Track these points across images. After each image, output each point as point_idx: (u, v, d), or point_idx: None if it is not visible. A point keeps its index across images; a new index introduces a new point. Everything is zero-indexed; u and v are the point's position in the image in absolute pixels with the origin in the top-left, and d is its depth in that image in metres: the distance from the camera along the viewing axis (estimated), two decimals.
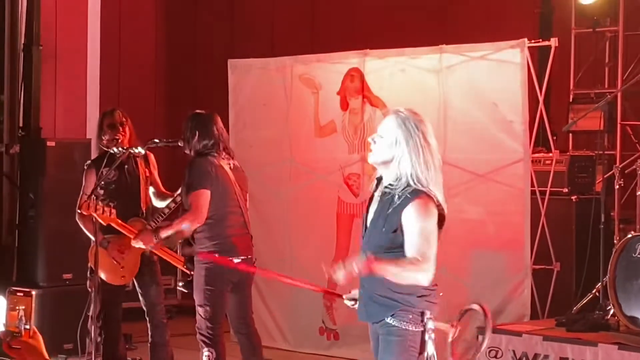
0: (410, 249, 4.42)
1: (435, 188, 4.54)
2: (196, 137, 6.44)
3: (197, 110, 6.65)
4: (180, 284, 6.62)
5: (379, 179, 4.55)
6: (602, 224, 7.78)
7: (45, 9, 9.18)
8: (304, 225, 8.81)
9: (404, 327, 4.43)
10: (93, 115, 9.66)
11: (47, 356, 2.84)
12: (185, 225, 6.32)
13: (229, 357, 6.56)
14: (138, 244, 6.47)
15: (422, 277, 4.52)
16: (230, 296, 6.49)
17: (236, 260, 6.37)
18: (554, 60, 7.80)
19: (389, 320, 4.46)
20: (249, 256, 6.55)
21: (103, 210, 6.45)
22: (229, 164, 6.52)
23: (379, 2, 11.10)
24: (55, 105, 9.49)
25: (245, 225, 6.60)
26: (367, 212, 4.58)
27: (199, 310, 6.39)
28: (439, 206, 4.56)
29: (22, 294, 2.79)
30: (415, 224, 4.43)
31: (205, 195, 6.29)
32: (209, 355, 6.34)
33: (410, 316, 4.45)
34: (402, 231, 4.41)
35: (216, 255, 6.33)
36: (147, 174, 6.99)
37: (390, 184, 4.46)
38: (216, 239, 6.38)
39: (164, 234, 6.46)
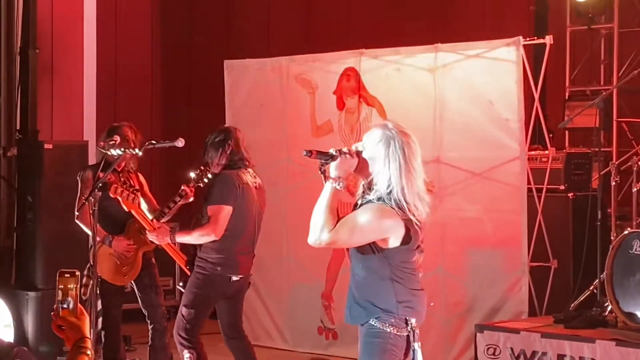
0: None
1: (414, 210, 4.32)
2: (223, 152, 6.43)
3: (225, 126, 6.67)
4: (180, 283, 6.61)
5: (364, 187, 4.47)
6: (598, 220, 7.80)
7: (41, 13, 9.20)
8: (301, 225, 8.74)
9: (386, 330, 4.35)
10: (90, 117, 9.68)
11: (87, 335, 2.92)
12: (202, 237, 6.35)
13: (224, 357, 6.57)
14: (152, 238, 6.51)
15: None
16: (222, 304, 6.53)
17: (234, 278, 6.41)
18: (549, 58, 7.81)
19: (372, 322, 4.39)
20: (247, 275, 6.59)
21: (128, 196, 6.48)
22: (255, 183, 6.53)
23: (374, 1, 11.11)
24: (52, 108, 9.50)
25: (253, 244, 6.63)
26: None
27: (183, 310, 6.40)
28: (411, 228, 4.33)
29: (68, 275, 2.89)
30: (357, 212, 4.42)
31: (227, 211, 6.32)
32: (190, 357, 6.35)
33: (393, 320, 4.35)
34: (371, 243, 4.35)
35: (218, 269, 6.36)
36: (141, 186, 7.01)
37: (367, 196, 4.41)
38: (223, 253, 6.38)
39: (180, 238, 6.49)
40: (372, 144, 4.41)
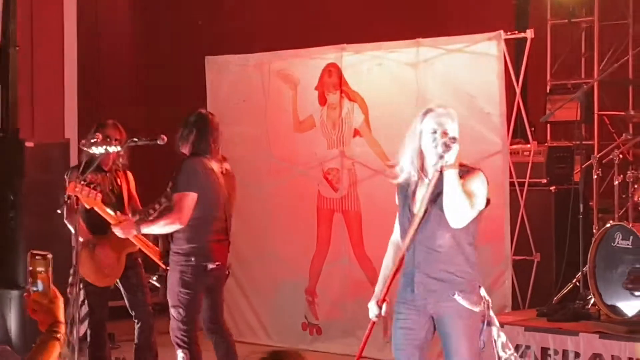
0: None
1: None
2: (192, 137, 6.41)
3: (201, 110, 6.63)
4: (154, 278, 6.58)
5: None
6: (581, 213, 7.83)
7: (21, 10, 9.13)
8: (284, 221, 8.82)
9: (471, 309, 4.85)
10: (71, 115, 9.64)
11: (61, 319, 2.91)
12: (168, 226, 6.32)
13: (204, 351, 6.56)
14: (117, 232, 6.46)
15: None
16: (203, 298, 6.50)
17: (210, 266, 6.38)
18: (530, 52, 7.83)
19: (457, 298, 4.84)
20: (223, 263, 6.54)
21: (89, 193, 6.43)
22: (221, 168, 6.50)
23: None
24: (33, 106, 9.45)
25: (227, 232, 6.58)
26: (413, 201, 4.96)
27: (172, 311, 6.37)
28: None
29: (39, 257, 2.88)
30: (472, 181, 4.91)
31: (191, 198, 6.27)
32: (184, 357, 6.34)
33: (474, 297, 4.87)
34: None
35: (192, 259, 6.33)
36: (127, 186, 6.98)
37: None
38: (195, 242, 6.34)
39: (145, 228, 6.45)
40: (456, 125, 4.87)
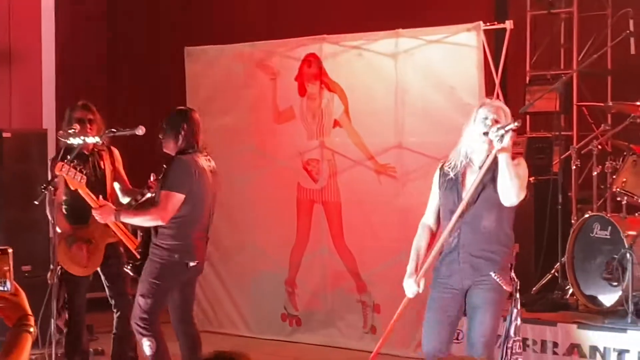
0: None
1: None
2: (180, 134, 6.36)
3: (179, 107, 6.61)
4: (129, 266, 6.54)
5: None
6: (559, 204, 7.86)
7: None
8: (263, 212, 8.80)
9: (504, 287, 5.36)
10: (49, 105, 9.58)
11: (29, 312, 2.87)
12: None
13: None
14: (97, 216, 6.44)
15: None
16: (175, 293, 6.48)
17: (191, 264, 6.37)
18: (509, 43, 7.83)
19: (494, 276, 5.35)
20: (202, 260, 6.55)
21: (75, 175, 6.41)
22: (210, 167, 6.49)
23: None
24: (11, 96, 9.39)
25: (208, 229, 6.59)
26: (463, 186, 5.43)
27: (140, 300, 6.34)
28: None
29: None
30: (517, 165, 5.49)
31: (178, 198, 6.25)
32: (150, 346, 6.32)
33: (508, 277, 5.40)
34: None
35: (175, 256, 6.32)
36: (112, 169, 6.95)
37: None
38: (179, 239, 6.33)
39: (124, 217, 6.44)
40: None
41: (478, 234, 5.39)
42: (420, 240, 5.64)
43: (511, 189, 5.28)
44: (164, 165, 6.35)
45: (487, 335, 5.38)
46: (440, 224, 5.61)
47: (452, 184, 5.48)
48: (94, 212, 6.46)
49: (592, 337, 6.88)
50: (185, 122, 6.39)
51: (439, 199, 5.60)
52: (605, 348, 6.80)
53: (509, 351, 5.47)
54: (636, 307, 6.90)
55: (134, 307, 6.40)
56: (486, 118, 5.40)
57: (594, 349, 6.85)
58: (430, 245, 5.60)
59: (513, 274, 5.46)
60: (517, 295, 5.50)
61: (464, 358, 1.57)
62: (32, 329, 2.86)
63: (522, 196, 5.35)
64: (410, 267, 5.59)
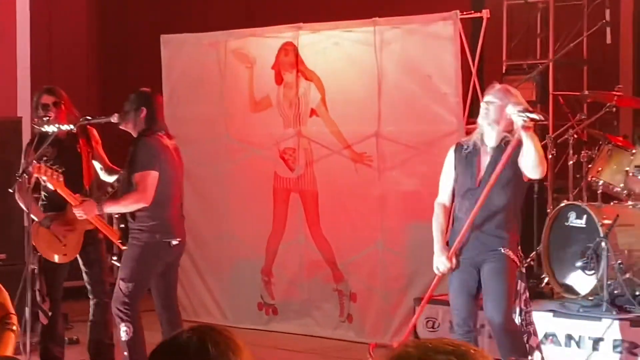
0: None
1: None
2: (142, 115, 6.36)
3: (142, 88, 6.57)
4: (114, 258, 6.54)
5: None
6: (535, 193, 7.88)
7: None
8: (240, 201, 8.79)
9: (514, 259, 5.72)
10: (24, 93, 9.51)
11: (12, 311, 2.85)
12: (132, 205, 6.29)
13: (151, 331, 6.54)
14: (79, 213, 6.41)
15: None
16: (158, 279, 6.47)
17: (174, 242, 6.36)
18: (486, 32, 7.84)
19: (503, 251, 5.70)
20: (184, 239, 6.56)
21: (52, 174, 6.38)
22: (172, 144, 6.49)
23: None
24: None
25: (182, 207, 6.60)
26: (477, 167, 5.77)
27: (121, 284, 6.34)
28: None
29: None
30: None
31: (154, 176, 6.25)
32: (126, 331, 6.31)
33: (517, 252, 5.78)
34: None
35: (157, 236, 6.30)
36: (89, 150, 6.90)
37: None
38: (157, 219, 6.33)
39: (108, 208, 6.42)
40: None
41: (489, 213, 5.71)
42: (440, 219, 5.93)
43: (539, 164, 5.63)
44: (130, 152, 6.33)
45: (502, 301, 5.68)
46: (454, 201, 5.96)
47: (468, 164, 5.83)
48: (75, 210, 6.43)
49: (568, 326, 6.91)
50: (146, 103, 6.38)
51: (454, 178, 5.91)
52: (580, 336, 6.83)
53: (523, 322, 5.84)
54: (611, 295, 6.94)
55: (114, 291, 6.38)
56: (486, 103, 5.80)
57: (569, 337, 6.88)
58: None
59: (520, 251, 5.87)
60: (523, 270, 5.94)
61: (442, 339, 1.56)
62: (14, 327, 2.84)
63: (545, 169, 5.78)
64: (438, 245, 5.88)
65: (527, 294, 5.96)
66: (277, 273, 8.62)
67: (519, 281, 5.87)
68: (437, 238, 5.89)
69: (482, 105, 5.85)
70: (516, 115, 5.58)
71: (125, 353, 6.36)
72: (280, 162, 8.55)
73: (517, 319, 5.84)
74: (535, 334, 6.00)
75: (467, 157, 5.84)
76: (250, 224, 8.72)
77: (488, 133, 5.82)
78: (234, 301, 8.85)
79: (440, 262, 5.82)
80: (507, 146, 5.68)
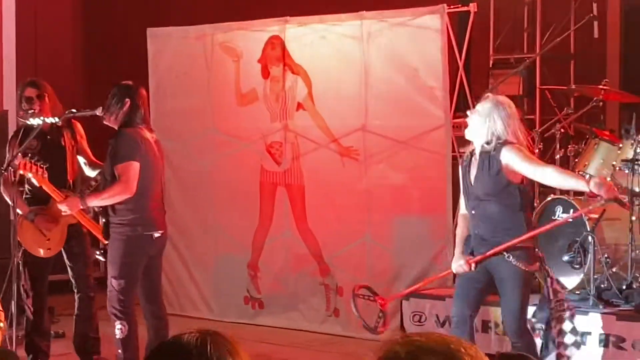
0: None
1: None
2: (125, 107, 6.34)
3: (125, 82, 6.55)
4: (98, 252, 6.52)
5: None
6: (523, 187, 7.86)
7: None
8: (227, 195, 8.77)
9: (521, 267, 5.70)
10: (9, 86, 9.47)
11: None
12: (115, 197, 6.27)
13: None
14: (64, 208, 6.39)
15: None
16: (142, 273, 6.44)
17: (156, 235, 6.35)
18: (473, 26, 7.83)
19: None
20: (165, 231, 6.54)
21: (37, 171, 6.36)
22: (153, 137, 6.48)
23: None
24: None
25: (163, 200, 6.59)
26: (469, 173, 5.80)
27: (113, 282, 6.31)
28: None
29: None
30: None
31: (135, 167, 6.24)
32: (121, 329, 6.29)
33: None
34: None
35: (138, 229, 6.28)
36: (73, 144, 6.87)
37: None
38: (138, 212, 6.31)
39: (91, 202, 6.39)
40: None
41: (485, 221, 5.76)
42: (459, 229, 5.99)
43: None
44: (110, 145, 6.31)
45: (509, 310, 5.76)
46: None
47: (464, 176, 5.91)
48: (59, 205, 6.40)
49: None
50: (129, 96, 6.36)
51: (463, 189, 5.99)
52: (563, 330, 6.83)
53: (552, 311, 5.86)
54: (597, 289, 6.94)
55: (108, 291, 6.35)
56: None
57: None
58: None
59: (538, 252, 5.89)
60: (547, 267, 5.94)
61: (431, 335, 1.53)
62: (1, 324, 2.82)
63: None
64: (458, 251, 5.92)
65: (554, 283, 5.94)
66: (264, 267, 8.61)
67: (546, 277, 5.90)
68: (458, 244, 5.98)
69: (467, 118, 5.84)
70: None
71: (120, 350, 6.34)
72: (267, 156, 8.53)
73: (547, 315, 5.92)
74: (573, 319, 5.99)
75: (465, 169, 5.90)
76: (237, 218, 8.70)
77: (477, 144, 5.82)
78: (221, 295, 8.83)
79: (458, 265, 5.88)
80: (493, 151, 5.64)
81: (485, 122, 5.67)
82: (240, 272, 8.69)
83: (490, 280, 5.83)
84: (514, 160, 5.60)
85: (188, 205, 8.82)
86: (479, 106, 5.78)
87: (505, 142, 5.61)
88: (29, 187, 6.71)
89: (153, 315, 6.52)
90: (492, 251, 5.70)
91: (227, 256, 8.79)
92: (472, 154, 5.83)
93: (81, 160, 6.89)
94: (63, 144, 6.81)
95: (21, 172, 6.39)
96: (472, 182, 5.79)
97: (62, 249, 6.79)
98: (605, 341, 6.67)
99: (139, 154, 6.26)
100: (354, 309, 6.26)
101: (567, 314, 5.89)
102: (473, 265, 5.79)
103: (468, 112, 5.86)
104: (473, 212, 5.80)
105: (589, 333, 6.72)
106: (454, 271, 5.98)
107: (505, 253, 5.67)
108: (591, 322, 6.75)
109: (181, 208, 8.84)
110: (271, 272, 8.59)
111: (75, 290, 6.87)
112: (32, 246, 6.69)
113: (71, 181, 6.77)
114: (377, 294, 6.42)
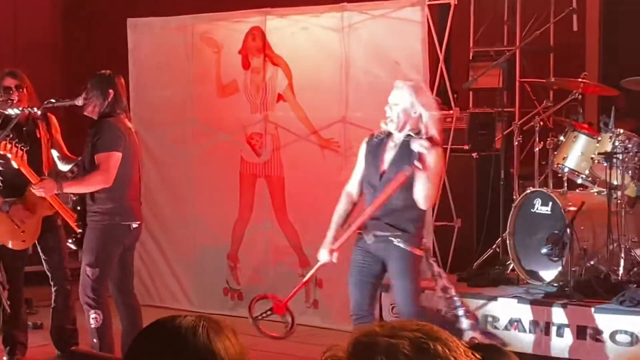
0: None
1: None
2: (109, 99, 6.32)
3: (103, 71, 6.53)
4: (70, 240, 6.49)
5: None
6: (502, 180, 7.91)
7: None
8: (207, 186, 8.76)
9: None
10: None
11: None
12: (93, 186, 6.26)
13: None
14: (39, 192, 6.36)
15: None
16: (115, 264, 6.44)
17: (134, 225, 6.34)
18: (453, 18, 7.84)
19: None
20: (142, 222, 6.56)
21: (17, 152, 6.34)
22: (133, 127, 6.48)
23: None
24: None
25: (140, 191, 6.62)
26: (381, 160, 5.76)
27: (87, 270, 6.30)
28: None
29: None
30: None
31: (117, 157, 6.23)
32: (96, 318, 6.27)
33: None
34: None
35: (117, 218, 6.27)
36: (49, 137, 6.85)
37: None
38: (117, 201, 6.31)
39: (68, 188, 6.37)
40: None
41: (389, 210, 5.74)
42: (340, 208, 6.00)
43: (428, 199, 5.81)
44: (92, 134, 6.30)
45: (403, 292, 5.86)
46: (363, 193, 5.96)
47: (374, 157, 5.84)
48: (34, 188, 6.37)
49: (532, 311, 6.95)
50: (111, 86, 6.35)
51: (363, 169, 5.93)
52: (545, 322, 6.87)
53: (449, 304, 6.02)
54: (576, 282, 6.98)
55: (81, 278, 6.34)
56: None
57: (534, 323, 6.91)
58: (351, 215, 6.03)
59: (425, 241, 6.01)
60: (431, 261, 6.06)
61: (406, 321, 1.59)
62: None
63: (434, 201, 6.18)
64: (329, 236, 5.99)
65: (443, 278, 6.09)
66: (243, 258, 8.61)
67: (433, 265, 6.04)
68: (331, 227, 6.01)
69: (387, 107, 5.89)
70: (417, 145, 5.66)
71: (95, 340, 6.33)
72: (247, 147, 8.52)
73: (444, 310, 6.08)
74: (468, 317, 6.09)
75: (375, 150, 5.86)
76: (217, 209, 8.70)
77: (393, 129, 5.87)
78: (200, 286, 8.82)
79: (321, 254, 5.98)
80: (413, 141, 5.69)
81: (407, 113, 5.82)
82: (219, 263, 8.69)
83: (383, 267, 5.89)
84: None
85: (168, 196, 8.81)
86: (397, 94, 5.92)
87: None
88: (1, 178, 6.68)
89: (126, 305, 6.52)
90: (349, 232, 5.86)
91: (206, 247, 8.78)
92: (387, 136, 5.88)
93: (54, 153, 6.86)
94: (38, 136, 6.79)
95: (1, 152, 6.36)
96: (384, 167, 5.80)
97: (37, 243, 6.76)
98: (583, 333, 6.70)
99: (122, 145, 6.26)
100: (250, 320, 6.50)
101: (466, 323, 5.98)
102: (335, 256, 5.93)
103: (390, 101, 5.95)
104: (373, 197, 5.84)
105: (567, 325, 6.76)
106: (321, 261, 6.10)
107: (393, 239, 5.73)
108: (568, 315, 6.78)
109: (161, 199, 8.82)
110: (251, 264, 8.59)
111: (52, 283, 6.85)
112: (4, 237, 6.66)
113: (46, 173, 6.74)
114: (276, 298, 6.55)
